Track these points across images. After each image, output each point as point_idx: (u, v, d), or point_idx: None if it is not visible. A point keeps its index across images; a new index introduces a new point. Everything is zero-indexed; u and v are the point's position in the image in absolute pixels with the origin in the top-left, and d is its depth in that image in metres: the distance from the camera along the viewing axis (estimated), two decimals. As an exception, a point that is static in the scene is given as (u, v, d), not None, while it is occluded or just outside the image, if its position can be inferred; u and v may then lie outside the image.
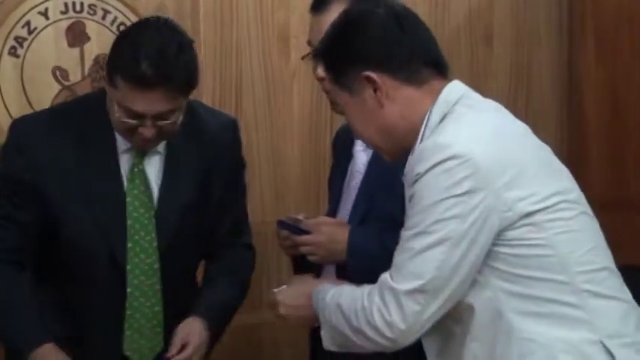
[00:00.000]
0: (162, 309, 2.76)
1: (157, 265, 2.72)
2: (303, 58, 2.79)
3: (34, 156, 2.66)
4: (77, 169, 2.68)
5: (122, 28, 3.50)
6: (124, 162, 2.72)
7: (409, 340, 2.01)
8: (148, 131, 2.58)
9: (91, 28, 3.51)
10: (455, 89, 2.13)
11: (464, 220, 1.94)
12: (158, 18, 2.80)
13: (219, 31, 3.74)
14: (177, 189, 2.76)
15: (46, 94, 3.45)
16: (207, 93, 3.71)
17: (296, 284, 2.46)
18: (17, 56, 3.40)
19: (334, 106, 2.61)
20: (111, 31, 3.51)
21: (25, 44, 3.41)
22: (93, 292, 2.74)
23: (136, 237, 2.71)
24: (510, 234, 1.98)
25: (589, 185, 3.90)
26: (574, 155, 4.31)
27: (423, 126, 2.10)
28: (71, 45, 3.51)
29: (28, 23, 3.40)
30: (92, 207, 2.69)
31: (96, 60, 3.48)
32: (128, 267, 2.69)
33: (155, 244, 2.73)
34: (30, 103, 3.42)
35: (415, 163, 2.01)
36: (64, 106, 2.93)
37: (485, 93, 2.41)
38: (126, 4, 3.54)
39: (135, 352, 2.74)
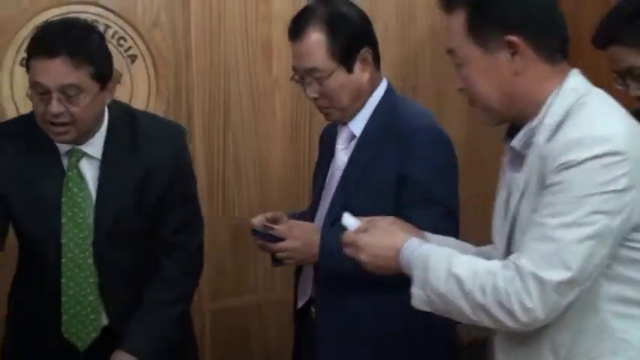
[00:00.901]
0: (98, 299, 2.76)
1: (90, 260, 2.73)
2: (292, 79, 2.78)
3: None
4: (23, 169, 2.71)
5: (121, 41, 3.58)
6: (66, 163, 2.73)
7: (538, 326, 1.90)
8: (54, 106, 2.56)
9: None
10: (580, 78, 2.02)
11: (614, 217, 1.84)
12: (76, 17, 2.95)
13: (208, 45, 3.78)
14: (114, 191, 2.75)
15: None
16: (197, 106, 3.78)
17: (381, 234, 2.24)
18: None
19: (322, 106, 2.68)
20: (111, 43, 3.51)
21: None
22: (37, 279, 2.79)
23: (70, 234, 2.72)
24: (637, 236, 1.90)
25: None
26: None
27: (546, 106, 1.98)
28: (74, 56, 3.59)
29: None
30: (32, 205, 2.71)
31: None
32: (62, 260, 2.71)
33: (88, 241, 2.73)
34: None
35: (565, 151, 1.87)
36: (27, 116, 2.86)
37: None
38: (125, 20, 3.58)
39: (73, 335, 2.75)
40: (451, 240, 2.34)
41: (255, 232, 2.69)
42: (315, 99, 2.70)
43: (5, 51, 3.41)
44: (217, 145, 3.88)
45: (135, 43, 3.63)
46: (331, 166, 2.80)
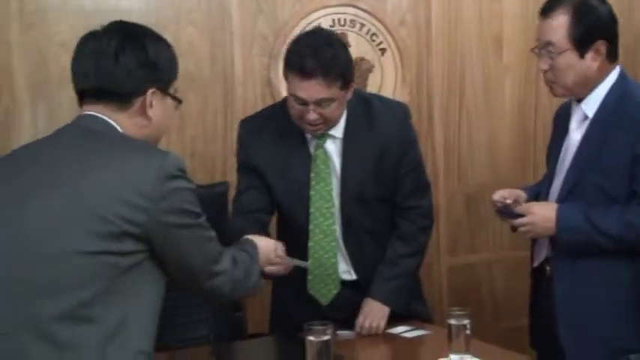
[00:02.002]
0: (337, 261, 2.85)
1: (333, 227, 2.83)
2: (532, 50, 2.75)
3: (248, 145, 2.89)
4: (277, 153, 2.83)
5: (373, 37, 3.79)
6: (312, 146, 2.82)
7: None
8: (312, 115, 2.67)
9: (352, 37, 3.75)
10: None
11: None
12: (321, 29, 3.02)
13: (446, 39, 3.95)
14: (355, 166, 2.82)
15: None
16: (436, 91, 3.94)
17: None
18: None
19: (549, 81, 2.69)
20: (365, 39, 3.78)
21: None
22: (293, 245, 2.76)
23: (317, 204, 2.83)
24: None
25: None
26: None
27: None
28: (337, 50, 3.84)
29: None
30: (285, 182, 2.83)
31: (355, 61, 3.50)
32: (310, 227, 2.83)
33: (332, 210, 2.83)
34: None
35: None
36: (275, 106, 2.98)
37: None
38: (377, 19, 3.79)
39: (317, 292, 2.88)
40: None
41: (499, 211, 2.76)
42: (544, 71, 2.69)
43: (283, 45, 3.42)
44: (453, 124, 4.00)
45: (385, 38, 3.83)
46: (565, 144, 2.77)
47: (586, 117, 2.71)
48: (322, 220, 2.85)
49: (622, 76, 2.71)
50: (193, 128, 3.58)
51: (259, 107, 3.54)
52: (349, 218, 2.86)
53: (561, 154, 2.78)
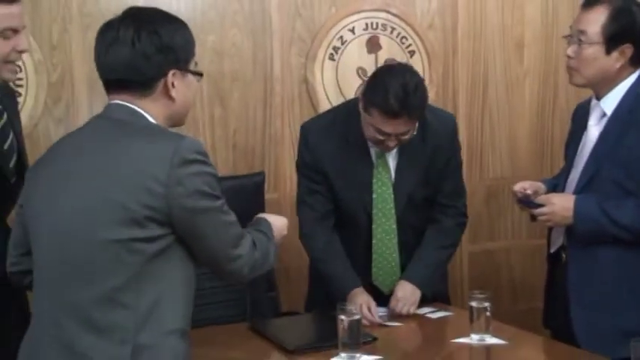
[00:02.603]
0: (398, 255, 2.95)
1: (394, 226, 2.92)
2: (564, 37, 2.76)
3: (315, 149, 2.92)
4: (342, 157, 2.88)
5: (403, 40, 3.82)
6: (374, 154, 2.88)
7: None
8: (392, 143, 2.76)
9: (383, 40, 3.81)
10: None
11: None
12: (399, 63, 3.00)
13: (471, 43, 3.96)
14: (410, 170, 2.89)
15: (352, 87, 3.76)
16: (462, 90, 3.96)
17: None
18: (334, 60, 3.75)
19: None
20: (396, 42, 3.81)
21: (339, 52, 3.75)
22: (354, 241, 2.95)
23: (379, 206, 2.90)
24: None
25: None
26: None
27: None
28: (369, 52, 3.80)
29: (341, 37, 3.74)
30: (350, 185, 2.90)
31: (384, 62, 3.63)
32: (373, 226, 2.91)
33: (393, 211, 2.90)
34: (342, 93, 3.74)
35: None
36: (335, 113, 3.03)
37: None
38: (407, 23, 3.82)
39: (380, 283, 2.96)
40: None
41: (520, 201, 2.77)
42: (569, 57, 2.68)
43: (319, 47, 3.71)
44: (476, 121, 4.02)
45: (414, 41, 3.86)
46: (583, 139, 2.76)
47: (604, 114, 2.71)
48: (384, 221, 2.93)
49: None
50: (236, 122, 3.65)
51: (296, 104, 3.66)
52: (402, 218, 2.93)
53: (579, 149, 2.78)
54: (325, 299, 2.89)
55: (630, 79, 2.71)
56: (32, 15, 3.33)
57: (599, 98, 2.74)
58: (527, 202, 2.75)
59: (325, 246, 2.94)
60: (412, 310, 2.88)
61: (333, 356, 2.44)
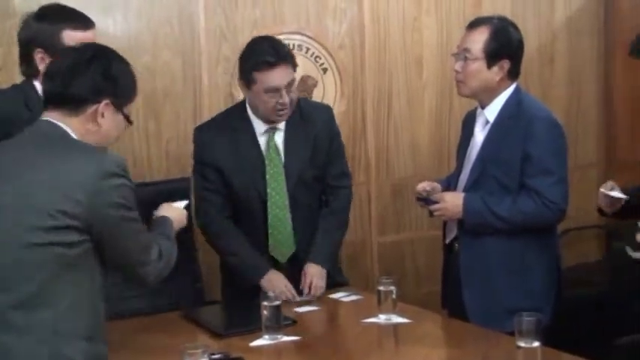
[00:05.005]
0: (292, 228, 2.92)
1: (286, 202, 2.90)
2: (452, 54, 2.78)
3: (210, 145, 2.91)
4: (235, 147, 2.88)
5: (317, 59, 3.77)
6: (262, 141, 2.89)
7: None
8: (285, 98, 2.76)
9: (299, 59, 3.32)
10: None
11: None
12: (260, 36, 3.01)
13: (377, 60, 3.91)
14: (297, 151, 2.90)
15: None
16: (369, 102, 3.93)
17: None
18: None
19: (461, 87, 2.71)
20: (310, 60, 3.76)
21: None
22: (251, 220, 2.92)
23: (273, 185, 2.89)
24: None
25: (617, 152, 4.27)
26: (606, 134, 4.44)
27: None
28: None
29: None
30: (245, 169, 2.89)
31: (301, 78, 3.63)
32: (268, 203, 2.90)
33: (285, 189, 2.89)
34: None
35: None
36: (224, 113, 3.05)
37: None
38: (320, 44, 3.77)
39: (277, 254, 2.94)
40: None
41: (418, 199, 2.82)
42: (457, 72, 2.73)
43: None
44: (383, 127, 3.99)
45: (326, 59, 3.82)
46: (471, 144, 2.81)
47: (488, 121, 2.76)
48: (278, 198, 2.91)
49: (517, 90, 2.78)
50: (168, 133, 3.59)
51: None
52: (293, 195, 2.92)
53: (468, 152, 2.83)
54: (240, 286, 2.90)
55: (509, 90, 2.75)
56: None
57: (483, 107, 2.79)
58: (425, 200, 2.79)
59: (231, 240, 2.92)
60: (323, 283, 2.88)
61: (257, 338, 2.44)
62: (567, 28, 4.35)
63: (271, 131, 2.92)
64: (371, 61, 3.95)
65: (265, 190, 2.90)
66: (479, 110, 2.81)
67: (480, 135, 2.78)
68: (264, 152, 2.91)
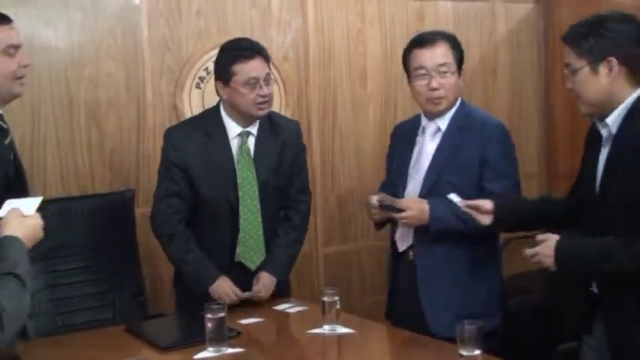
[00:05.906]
0: (262, 233, 2.92)
1: (258, 206, 2.89)
2: (421, 75, 2.76)
3: (180, 147, 2.88)
4: (206, 150, 2.86)
5: None
6: (234, 145, 2.88)
7: None
8: (266, 89, 2.79)
9: None
10: None
11: None
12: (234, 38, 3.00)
13: (322, 72, 3.94)
14: (265, 157, 2.90)
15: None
16: (314, 113, 3.95)
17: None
18: (200, 88, 3.66)
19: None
20: None
21: (205, 81, 3.65)
22: (218, 226, 2.89)
23: (245, 188, 2.88)
24: None
25: (557, 163, 4.34)
26: (547, 145, 4.52)
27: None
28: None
29: (206, 68, 3.62)
30: (215, 172, 2.86)
31: None
32: (240, 207, 2.88)
33: (257, 192, 2.88)
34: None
35: None
36: (196, 116, 3.08)
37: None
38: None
39: (247, 259, 2.92)
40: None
41: (382, 206, 2.76)
42: (436, 89, 2.74)
43: (187, 77, 3.62)
44: (328, 139, 4.01)
45: (272, 71, 3.85)
46: (415, 153, 2.83)
47: (439, 129, 2.80)
48: (250, 201, 2.90)
49: (463, 103, 2.86)
50: (112, 144, 3.55)
51: (167, 127, 3.50)
52: (264, 200, 2.92)
53: (413, 161, 2.84)
54: (190, 295, 2.89)
55: (458, 102, 2.85)
56: None
57: (431, 118, 2.83)
58: (389, 208, 2.75)
59: (184, 245, 2.88)
60: (267, 295, 2.91)
61: (201, 350, 2.42)
62: (509, 41, 4.46)
63: (245, 135, 2.91)
64: (315, 72, 3.97)
65: (236, 195, 2.88)
66: (424, 120, 2.85)
67: (431, 144, 2.81)
68: (235, 156, 2.89)
